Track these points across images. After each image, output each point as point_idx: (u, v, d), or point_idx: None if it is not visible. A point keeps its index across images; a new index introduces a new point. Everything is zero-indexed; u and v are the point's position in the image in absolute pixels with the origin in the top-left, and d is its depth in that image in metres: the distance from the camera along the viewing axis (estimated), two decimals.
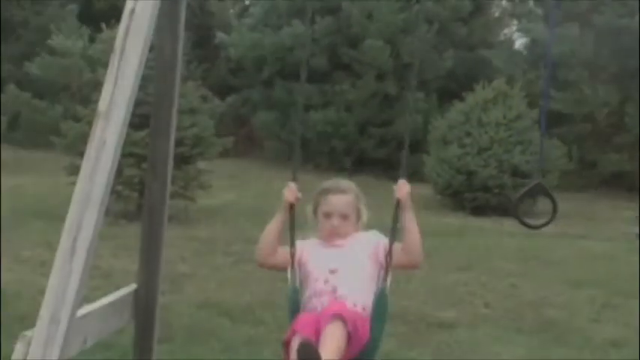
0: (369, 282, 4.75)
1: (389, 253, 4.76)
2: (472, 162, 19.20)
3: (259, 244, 4.95)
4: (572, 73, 23.24)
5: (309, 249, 4.87)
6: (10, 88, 27.15)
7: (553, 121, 21.68)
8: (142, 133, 13.35)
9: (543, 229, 16.96)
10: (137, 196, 14.76)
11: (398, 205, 4.77)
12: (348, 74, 25.60)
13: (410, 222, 4.78)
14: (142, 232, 6.09)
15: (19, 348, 4.28)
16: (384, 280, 4.76)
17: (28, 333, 4.33)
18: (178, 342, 8.43)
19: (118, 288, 6.42)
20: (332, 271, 4.69)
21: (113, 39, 4.61)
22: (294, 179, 4.97)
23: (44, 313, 4.28)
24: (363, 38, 24.88)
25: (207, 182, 15.92)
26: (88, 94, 15.53)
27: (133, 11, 4.57)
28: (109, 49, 4.72)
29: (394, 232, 4.77)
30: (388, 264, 4.76)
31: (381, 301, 4.75)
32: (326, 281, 4.69)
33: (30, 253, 11.90)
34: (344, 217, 4.81)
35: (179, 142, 14.48)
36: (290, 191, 4.92)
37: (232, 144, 18.22)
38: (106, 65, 4.55)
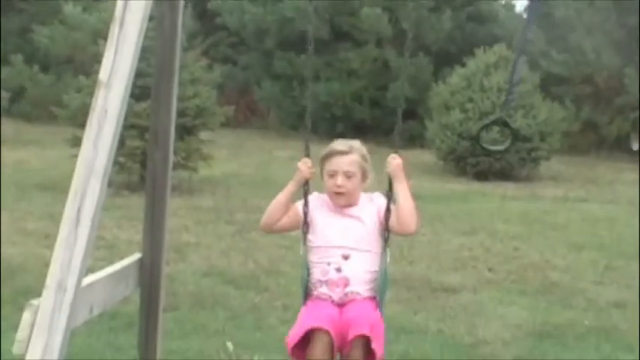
0: (376, 260, 4.81)
1: (386, 229, 4.81)
2: (474, 127, 19.16)
3: (266, 213, 4.97)
4: (573, 36, 23.17)
5: (317, 215, 4.89)
6: (17, 59, 27.04)
7: (554, 83, 21.66)
8: (144, 105, 13.35)
9: (545, 192, 17.00)
10: (140, 168, 14.79)
11: (390, 178, 4.81)
12: (349, 43, 25.53)
13: (402, 192, 4.77)
14: (145, 202, 6.12)
15: (26, 317, 4.32)
16: (383, 252, 4.82)
17: (35, 302, 4.37)
18: (184, 310, 8.48)
19: (122, 258, 6.46)
20: (345, 257, 4.75)
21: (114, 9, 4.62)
22: (307, 155, 4.95)
23: (51, 281, 4.31)
24: (360, 6, 24.80)
25: (209, 153, 15.94)
26: (91, 67, 15.49)
27: None
28: (109, 19, 4.73)
29: (389, 211, 4.81)
30: (387, 235, 4.82)
31: (382, 280, 4.81)
32: (338, 269, 4.75)
33: (34, 225, 11.94)
34: (348, 175, 4.82)
35: (182, 113, 14.50)
36: (305, 166, 4.89)
37: (233, 114, 18.25)
38: (106, 36, 4.56)
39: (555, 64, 22.89)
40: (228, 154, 19.88)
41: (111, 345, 7.20)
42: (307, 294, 4.87)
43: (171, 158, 6.16)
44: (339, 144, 4.96)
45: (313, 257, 4.87)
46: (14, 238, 11.16)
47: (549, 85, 21.65)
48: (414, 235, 5.02)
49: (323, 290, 4.78)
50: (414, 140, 22.02)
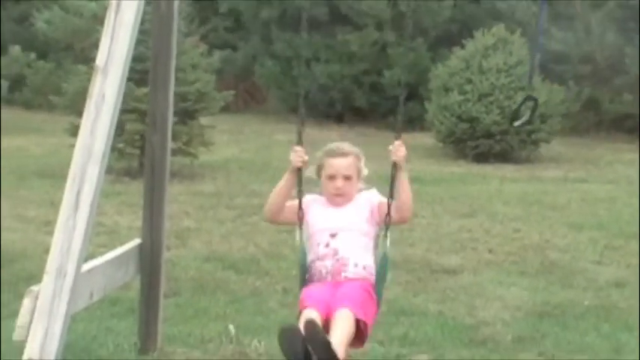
0: (367, 241, 5.08)
1: (388, 214, 5.03)
2: (473, 109, 19.17)
3: (267, 204, 5.22)
4: (571, 10, 23.11)
5: (312, 210, 5.15)
6: (15, 49, 27.01)
7: (553, 62, 21.61)
8: (144, 89, 13.33)
9: (545, 174, 17.05)
10: (140, 154, 14.80)
11: (394, 166, 5.01)
12: (348, 26, 25.47)
13: (404, 183, 5.02)
14: (144, 186, 6.15)
15: (26, 303, 4.35)
16: (385, 239, 5.06)
17: (35, 288, 4.39)
18: (185, 295, 8.50)
19: (123, 245, 6.49)
20: (332, 235, 5.03)
21: None
22: (299, 143, 5.13)
23: (50, 267, 4.34)
24: None
25: (209, 138, 15.95)
26: (89, 54, 15.47)
27: None
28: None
29: (392, 195, 5.05)
30: (388, 223, 5.05)
31: (382, 263, 5.06)
32: (327, 245, 5.02)
33: (34, 213, 11.96)
34: (347, 178, 5.07)
35: (183, 98, 14.51)
36: (297, 155, 5.07)
37: (233, 99, 18.25)
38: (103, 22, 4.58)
39: (556, 42, 22.81)
40: (228, 139, 19.88)
41: (112, 331, 7.21)
42: (305, 277, 5.11)
43: (170, 142, 6.19)
44: (336, 148, 5.20)
45: (308, 244, 5.11)
46: (15, 225, 11.18)
47: (549, 64, 21.59)
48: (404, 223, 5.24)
49: (317, 265, 5.04)
50: (413, 123, 21.98)
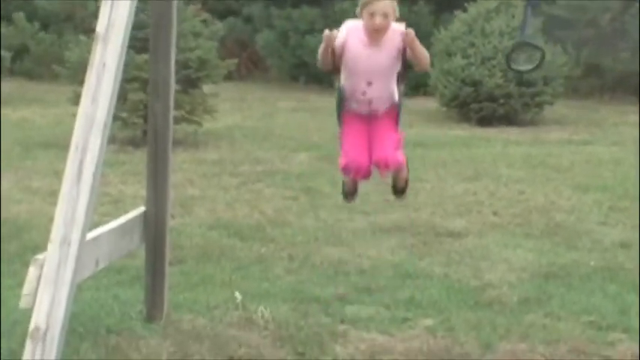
0: (394, 78, 5.77)
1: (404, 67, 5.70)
2: (477, 72, 19.12)
3: (320, 64, 5.74)
4: None
5: (352, 43, 5.67)
6: (19, 17, 26.89)
7: (556, 26, 21.52)
8: (145, 57, 13.30)
9: (549, 136, 17.04)
10: (143, 123, 14.78)
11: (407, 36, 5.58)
12: None
13: (417, 45, 5.61)
14: (147, 154, 6.15)
15: (32, 271, 4.36)
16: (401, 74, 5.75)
17: (40, 256, 4.41)
18: (190, 263, 8.53)
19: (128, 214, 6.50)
20: (368, 84, 5.67)
21: None
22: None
23: (55, 236, 4.35)
24: None
25: (213, 106, 15.93)
26: (90, 25, 15.39)
27: None
28: None
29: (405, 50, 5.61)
30: (405, 70, 5.74)
31: (400, 101, 5.83)
32: (363, 93, 5.69)
33: (39, 183, 11.96)
34: (385, 15, 5.59)
35: (184, 65, 14.48)
36: (327, 36, 5.59)
37: (236, 67, 18.21)
38: None
39: (558, 7, 22.72)
40: (232, 107, 19.85)
41: (118, 299, 7.22)
42: (341, 110, 5.82)
43: (172, 110, 6.18)
44: None
45: (345, 80, 5.76)
46: (20, 196, 11.20)
47: (552, 29, 21.50)
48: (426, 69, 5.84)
49: (353, 106, 5.76)
50: (417, 88, 21.93)
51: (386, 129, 5.74)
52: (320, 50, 5.65)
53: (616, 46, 23.28)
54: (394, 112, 5.79)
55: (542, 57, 6.56)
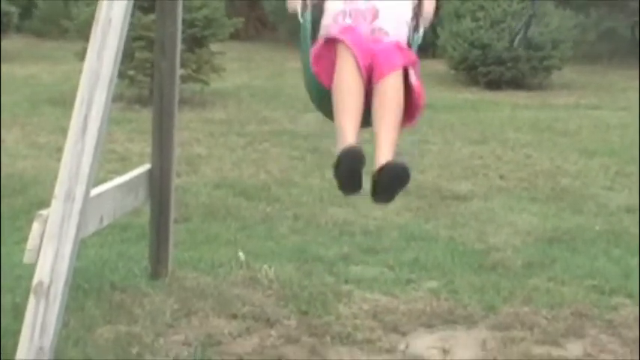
0: (409, 15, 4.81)
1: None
2: (486, 35, 19.03)
3: None
4: None
5: None
6: None
7: None
8: (152, 16, 13.25)
9: (556, 101, 16.99)
10: (150, 81, 14.74)
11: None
12: None
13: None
14: (153, 112, 6.14)
15: (35, 226, 4.36)
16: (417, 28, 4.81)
17: (44, 212, 4.41)
18: (195, 221, 8.54)
19: None
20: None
21: None
22: None
23: (59, 191, 4.35)
24: None
25: (220, 65, 15.87)
26: None
27: None
28: None
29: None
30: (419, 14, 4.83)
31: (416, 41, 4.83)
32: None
33: (46, 139, 11.97)
34: None
35: (190, 24, 14.41)
36: None
37: (243, 26, 18.13)
38: None
39: None
40: (239, 66, 19.79)
41: (123, 255, 7.25)
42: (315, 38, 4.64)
43: (178, 68, 6.16)
44: None
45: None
46: (26, 152, 11.21)
47: None
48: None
49: (345, 22, 4.60)
50: (426, 50, 21.86)
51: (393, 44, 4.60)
52: None
53: (628, 8, 23.15)
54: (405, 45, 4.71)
55: (529, 19, 6.31)
